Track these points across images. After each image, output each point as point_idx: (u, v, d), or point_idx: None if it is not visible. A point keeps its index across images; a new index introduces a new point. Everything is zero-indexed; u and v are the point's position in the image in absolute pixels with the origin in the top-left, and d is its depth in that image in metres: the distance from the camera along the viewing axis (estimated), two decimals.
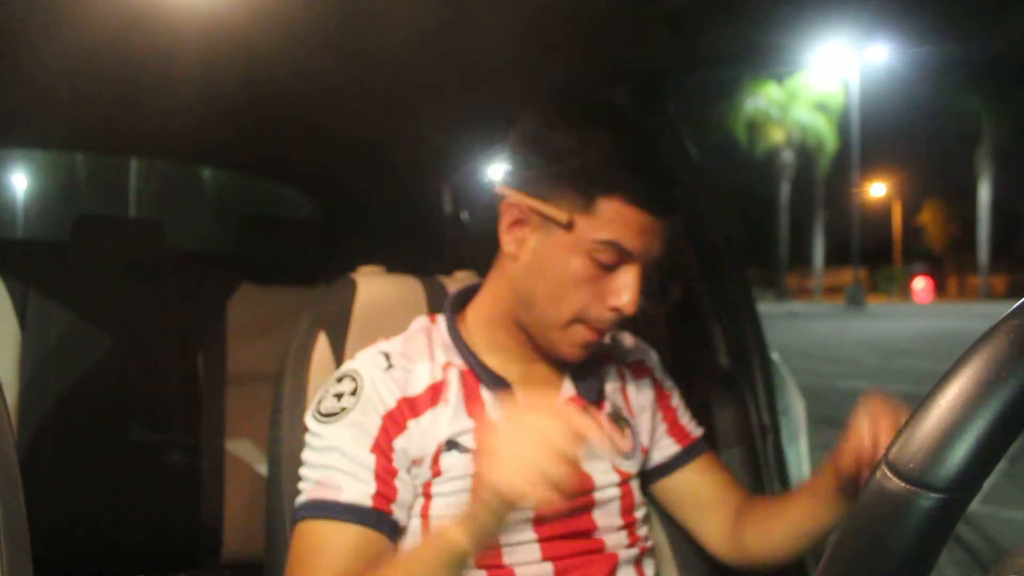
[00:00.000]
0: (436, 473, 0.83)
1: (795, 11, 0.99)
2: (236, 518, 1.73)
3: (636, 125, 0.87)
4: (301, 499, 0.82)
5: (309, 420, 0.85)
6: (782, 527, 0.94)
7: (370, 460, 0.81)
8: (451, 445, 0.84)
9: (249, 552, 1.70)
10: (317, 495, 0.81)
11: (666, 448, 1.01)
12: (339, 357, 0.96)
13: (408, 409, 0.84)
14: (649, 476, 1.00)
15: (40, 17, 1.06)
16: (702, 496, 1.01)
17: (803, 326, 16.21)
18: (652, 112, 1.31)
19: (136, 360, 1.69)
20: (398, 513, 0.82)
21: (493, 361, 0.90)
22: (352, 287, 1.01)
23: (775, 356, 1.45)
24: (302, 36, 1.14)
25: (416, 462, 0.83)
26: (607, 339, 0.96)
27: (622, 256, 0.82)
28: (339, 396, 0.84)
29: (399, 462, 0.82)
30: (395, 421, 0.83)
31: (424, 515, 0.84)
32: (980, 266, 30.23)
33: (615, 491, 0.92)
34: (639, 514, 0.95)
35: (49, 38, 1.12)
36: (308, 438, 0.85)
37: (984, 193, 29.33)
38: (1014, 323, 0.35)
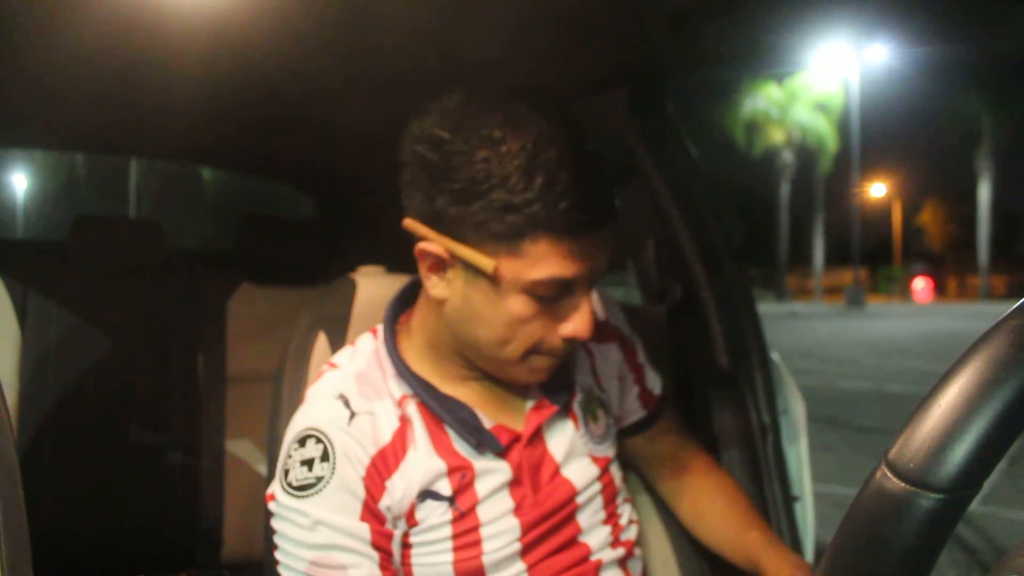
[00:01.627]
0: (412, 524, 0.79)
1: (795, 11, 0.99)
2: (236, 518, 1.73)
3: (553, 120, 0.70)
4: None
5: (280, 494, 0.76)
6: (712, 535, 0.98)
7: (363, 529, 0.75)
8: (425, 495, 0.79)
9: (249, 552, 1.70)
10: None
11: (634, 413, 0.99)
12: None
13: (383, 466, 0.77)
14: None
15: (40, 17, 1.06)
16: (656, 451, 1.02)
17: (803, 326, 16.21)
18: (652, 112, 1.31)
19: (136, 360, 1.69)
20: (399, 573, 0.79)
21: (447, 384, 0.83)
22: (352, 287, 1.01)
23: (775, 356, 1.45)
24: (302, 36, 1.14)
25: (397, 518, 0.78)
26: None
27: (564, 286, 0.73)
28: (308, 463, 0.75)
29: (389, 522, 0.77)
30: (374, 482, 0.76)
31: (405, 563, 0.80)
32: (980, 266, 30.22)
33: (597, 485, 0.89)
34: (620, 500, 0.93)
35: (49, 38, 1.12)
36: (283, 512, 0.75)
37: (984, 193, 29.32)
38: (1014, 323, 0.35)
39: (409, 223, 0.76)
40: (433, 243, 0.74)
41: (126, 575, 1.52)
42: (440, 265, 0.75)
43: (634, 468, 1.06)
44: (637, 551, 0.94)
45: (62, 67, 1.25)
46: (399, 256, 1.27)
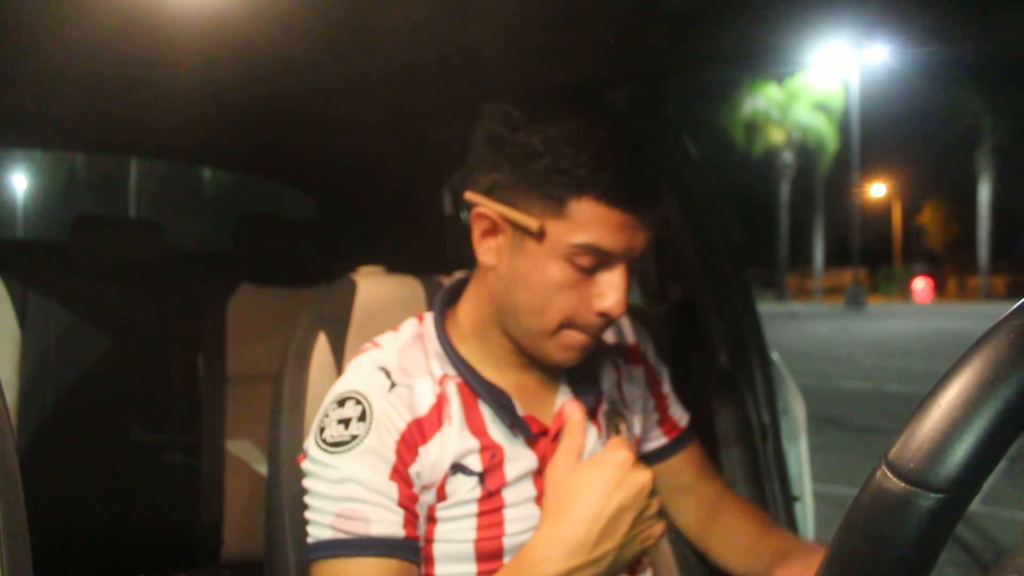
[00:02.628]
0: (441, 498, 0.81)
1: (795, 11, 0.99)
2: (236, 518, 1.74)
3: (608, 113, 0.79)
4: (319, 535, 0.77)
5: (313, 449, 0.79)
6: (739, 554, 0.97)
7: (391, 488, 0.77)
8: (456, 469, 0.81)
9: (249, 552, 1.70)
10: (342, 527, 0.75)
11: (655, 440, 1.01)
12: (339, 357, 0.96)
13: (418, 433, 0.80)
14: None
15: (40, 17, 1.06)
16: (679, 483, 1.02)
17: (803, 326, 16.21)
18: (652, 112, 1.31)
19: (136, 360, 1.69)
20: (421, 539, 0.80)
21: (487, 369, 0.87)
22: (352, 287, 1.01)
23: (775, 356, 1.45)
24: (302, 36, 1.13)
25: (427, 487, 0.80)
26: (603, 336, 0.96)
27: (603, 258, 0.77)
28: (346, 422, 0.79)
29: (417, 487, 0.79)
30: (408, 447, 0.79)
31: (428, 539, 0.82)
32: (980, 266, 30.22)
33: None
34: None
35: (49, 38, 1.12)
36: (315, 468, 0.78)
37: (984, 193, 29.32)
38: (1014, 323, 0.35)
39: (469, 195, 0.82)
40: (487, 208, 0.80)
41: (126, 575, 1.52)
42: (492, 231, 0.81)
43: None
44: (645, 559, 0.96)
45: (62, 67, 1.25)
46: (399, 256, 1.28)
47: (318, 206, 2.24)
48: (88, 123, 1.70)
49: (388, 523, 0.76)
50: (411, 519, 0.78)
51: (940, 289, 32.81)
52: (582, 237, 0.76)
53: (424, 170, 1.81)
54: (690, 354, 1.32)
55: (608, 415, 0.93)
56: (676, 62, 1.20)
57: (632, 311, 1.08)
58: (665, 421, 1.01)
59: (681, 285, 1.33)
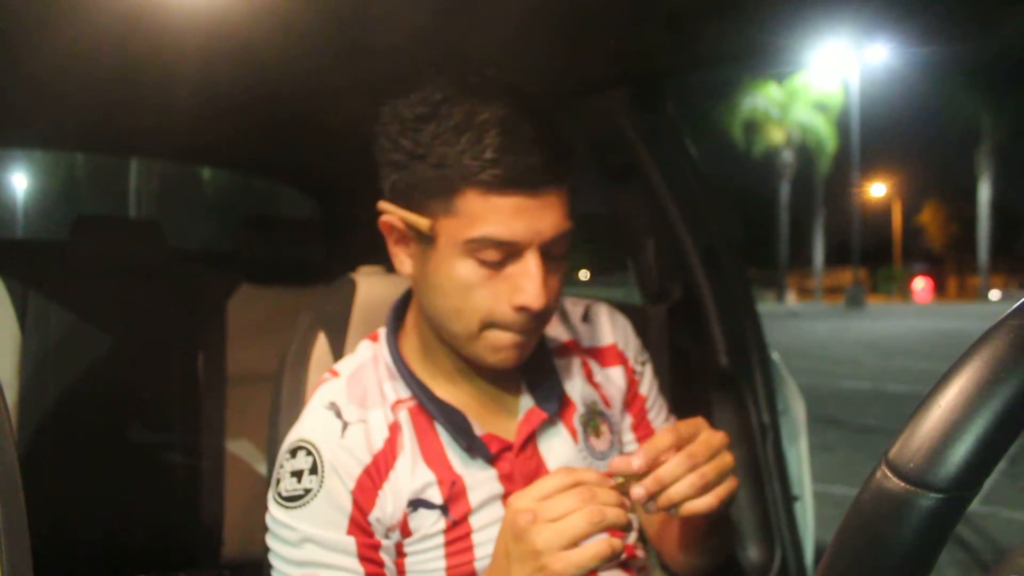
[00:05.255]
0: (406, 535, 0.79)
1: (795, 11, 0.99)
2: (236, 518, 1.74)
3: (498, 94, 0.73)
4: None
5: (272, 504, 0.77)
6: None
7: (349, 543, 0.74)
8: (416, 504, 0.78)
9: (249, 552, 1.70)
10: None
11: (627, 444, 0.96)
12: (338, 357, 0.96)
13: (375, 474, 0.77)
14: None
15: (40, 17, 1.06)
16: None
17: (803, 326, 16.21)
18: (652, 112, 1.31)
19: (136, 360, 1.69)
20: None
21: (442, 385, 0.83)
22: (352, 287, 1.01)
23: (775, 356, 1.45)
24: (302, 35, 1.14)
25: (391, 529, 0.78)
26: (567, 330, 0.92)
27: (508, 248, 0.72)
28: (298, 475, 0.76)
29: (378, 533, 0.77)
30: (365, 492, 0.76)
31: (400, 571, 0.80)
32: (980, 266, 30.23)
33: None
34: None
35: (49, 38, 1.12)
36: (276, 528, 0.76)
37: (984, 193, 29.33)
38: (1014, 323, 0.35)
39: (380, 203, 0.79)
40: (389, 215, 0.77)
41: (126, 575, 1.52)
42: (403, 239, 0.79)
43: None
44: (640, 552, 0.93)
45: (62, 67, 1.25)
46: None
47: (318, 206, 2.24)
48: (88, 123, 1.70)
49: None
50: (372, 570, 0.76)
51: (940, 289, 32.82)
52: (475, 231, 0.71)
53: None
54: (690, 354, 1.32)
55: (585, 419, 0.88)
56: (676, 62, 1.20)
57: (631, 310, 1.08)
58: (640, 426, 0.96)
59: (681, 285, 1.33)
